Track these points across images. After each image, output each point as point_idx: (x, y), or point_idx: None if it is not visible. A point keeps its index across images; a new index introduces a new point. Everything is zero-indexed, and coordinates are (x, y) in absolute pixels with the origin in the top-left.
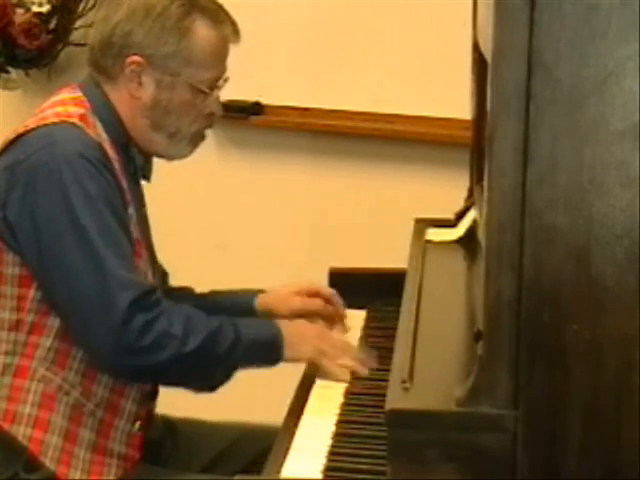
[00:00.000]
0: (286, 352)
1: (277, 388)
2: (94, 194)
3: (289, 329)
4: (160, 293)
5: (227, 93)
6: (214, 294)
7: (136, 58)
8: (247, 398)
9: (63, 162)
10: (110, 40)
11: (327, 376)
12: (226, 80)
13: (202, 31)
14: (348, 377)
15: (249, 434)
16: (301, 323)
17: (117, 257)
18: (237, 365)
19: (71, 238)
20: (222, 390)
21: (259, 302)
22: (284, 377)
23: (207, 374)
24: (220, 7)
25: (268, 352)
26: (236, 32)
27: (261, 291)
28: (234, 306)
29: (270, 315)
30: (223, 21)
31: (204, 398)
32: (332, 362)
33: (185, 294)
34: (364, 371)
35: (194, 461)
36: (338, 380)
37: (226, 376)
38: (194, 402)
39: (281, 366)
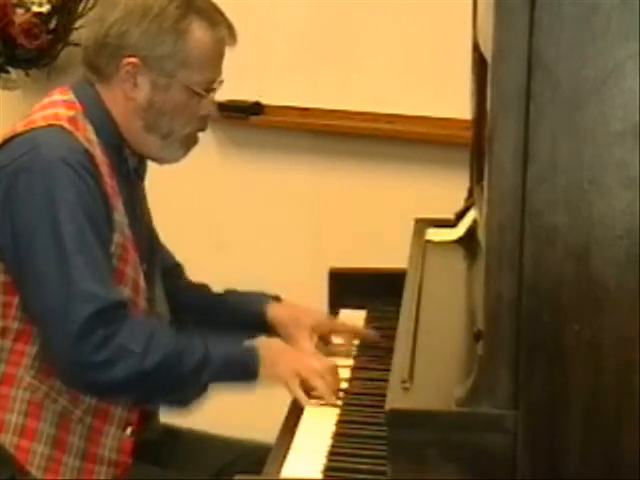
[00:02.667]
0: (262, 372)
1: (279, 397)
2: (72, 200)
3: (269, 350)
4: (128, 308)
5: (227, 93)
6: (229, 293)
7: (132, 59)
8: (247, 409)
9: (44, 167)
10: (105, 40)
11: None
12: (221, 82)
13: (199, 33)
14: (310, 403)
15: (252, 451)
16: (283, 345)
17: (86, 267)
18: (207, 384)
19: (45, 243)
20: (222, 398)
21: (272, 315)
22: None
23: (173, 392)
24: (217, 9)
25: (241, 372)
26: (232, 35)
27: (276, 297)
28: (246, 311)
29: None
30: (220, 23)
31: (205, 406)
32: (297, 388)
33: (200, 291)
34: (332, 400)
35: (194, 471)
36: (304, 403)
37: (197, 394)
38: (194, 410)
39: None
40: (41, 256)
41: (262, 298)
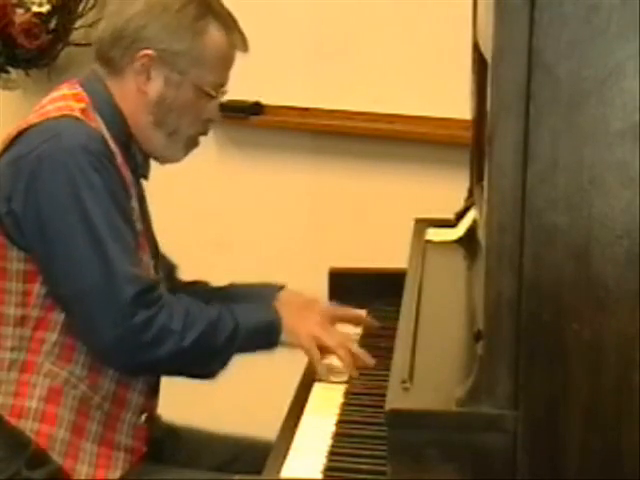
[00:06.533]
0: (283, 337)
1: (279, 396)
2: (99, 186)
3: (290, 314)
4: (163, 287)
5: (227, 93)
6: (232, 287)
7: (148, 52)
8: (247, 408)
9: (67, 154)
10: (123, 32)
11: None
12: (225, 92)
13: (215, 34)
14: (331, 377)
15: (251, 448)
16: (304, 309)
17: (122, 251)
18: (235, 352)
19: (76, 230)
20: (222, 398)
21: (279, 304)
22: (286, 385)
23: (206, 364)
24: (232, 16)
25: (266, 338)
26: (244, 42)
27: (281, 287)
28: (252, 301)
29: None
30: (234, 29)
31: (205, 405)
32: (319, 359)
33: (200, 288)
34: (353, 372)
35: (195, 467)
36: (324, 378)
37: (225, 363)
38: (195, 410)
39: (284, 373)
40: (74, 243)
41: (268, 288)
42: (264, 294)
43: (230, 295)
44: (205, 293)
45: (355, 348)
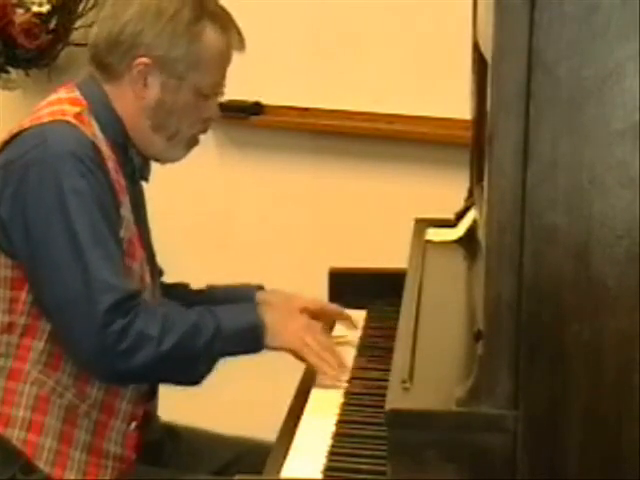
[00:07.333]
0: (267, 340)
1: (278, 396)
2: (85, 193)
3: (274, 317)
4: (155, 295)
5: (227, 93)
6: (211, 289)
7: (144, 59)
8: (247, 409)
9: (55, 160)
10: (118, 38)
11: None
12: (223, 90)
13: (211, 37)
14: (332, 372)
15: (253, 450)
16: (288, 312)
17: (102, 259)
18: (218, 356)
19: (60, 236)
20: (222, 398)
21: (261, 301)
22: (286, 385)
23: (188, 369)
24: (228, 14)
25: (249, 341)
26: (241, 41)
27: (260, 287)
28: (232, 302)
29: None
30: (231, 29)
31: (205, 405)
32: (315, 355)
33: (180, 290)
34: (336, 377)
35: (195, 470)
36: (323, 375)
37: (208, 368)
38: (195, 410)
39: (284, 373)
40: (56, 249)
41: (248, 288)
42: (243, 295)
43: (209, 298)
44: (184, 296)
45: (337, 358)
